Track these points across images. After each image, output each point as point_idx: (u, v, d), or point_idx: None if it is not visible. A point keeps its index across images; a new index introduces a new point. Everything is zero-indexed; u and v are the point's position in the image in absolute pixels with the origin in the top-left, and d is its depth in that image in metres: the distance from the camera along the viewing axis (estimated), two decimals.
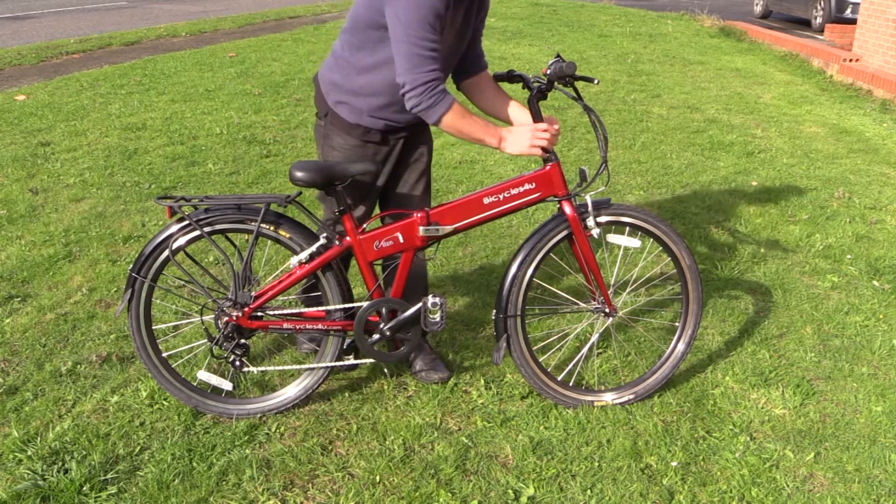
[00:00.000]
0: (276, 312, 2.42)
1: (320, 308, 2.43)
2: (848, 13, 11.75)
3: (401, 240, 2.35)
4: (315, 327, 2.40)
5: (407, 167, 2.52)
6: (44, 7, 13.46)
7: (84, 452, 2.27)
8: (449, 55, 2.30)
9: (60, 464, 2.22)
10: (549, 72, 2.23)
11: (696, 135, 5.85)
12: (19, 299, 3.17)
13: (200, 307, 2.65)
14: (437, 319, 2.38)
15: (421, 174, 2.55)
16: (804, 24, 13.31)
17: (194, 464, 2.24)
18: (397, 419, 2.48)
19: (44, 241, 3.71)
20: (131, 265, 2.34)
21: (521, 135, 2.29)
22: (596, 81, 2.27)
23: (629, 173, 4.94)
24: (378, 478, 2.22)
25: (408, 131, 2.46)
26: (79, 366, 2.71)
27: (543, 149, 2.32)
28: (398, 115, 2.36)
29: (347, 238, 2.35)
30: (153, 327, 2.40)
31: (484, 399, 2.59)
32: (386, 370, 2.72)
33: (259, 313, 2.38)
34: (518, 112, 2.46)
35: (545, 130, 2.30)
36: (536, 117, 2.34)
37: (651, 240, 2.50)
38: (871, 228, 4.15)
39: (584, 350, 2.79)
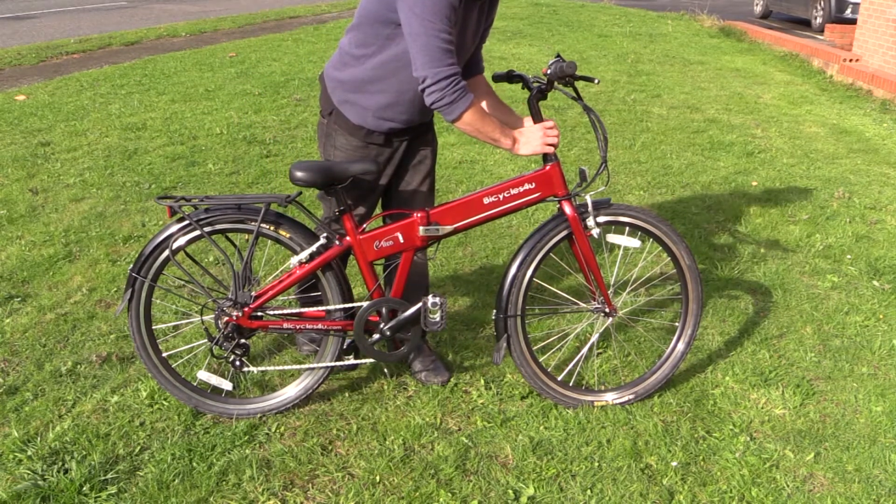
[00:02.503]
0: (276, 312, 2.42)
1: (320, 308, 2.43)
2: (848, 13, 11.74)
3: (401, 240, 2.35)
4: (315, 327, 2.40)
5: (409, 169, 2.52)
6: (44, 7, 13.47)
7: (84, 452, 2.27)
8: (460, 56, 2.29)
9: (60, 464, 2.22)
10: (549, 72, 2.23)
11: (696, 135, 5.85)
12: (19, 299, 3.17)
13: (200, 307, 2.65)
14: (437, 319, 2.37)
15: (424, 176, 2.54)
16: (804, 24, 13.31)
17: (194, 464, 2.24)
18: (397, 419, 2.48)
19: (44, 241, 3.71)
20: (131, 265, 2.34)
21: (533, 135, 2.30)
22: (596, 81, 2.27)
23: (629, 173, 4.94)
24: (378, 478, 2.22)
25: (410, 134, 2.45)
26: (79, 366, 2.71)
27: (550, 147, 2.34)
28: (403, 116, 2.36)
29: (347, 238, 2.35)
30: (153, 327, 2.39)
31: (484, 399, 2.59)
32: (386, 370, 2.72)
33: (259, 313, 2.38)
34: (512, 117, 2.47)
35: (553, 128, 2.31)
36: (536, 117, 2.34)
37: (651, 240, 2.50)
38: (871, 228, 4.15)
39: (584, 350, 2.79)
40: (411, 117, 2.36)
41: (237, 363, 2.38)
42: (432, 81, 2.10)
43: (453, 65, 2.11)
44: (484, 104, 2.48)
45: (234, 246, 2.55)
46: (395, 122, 2.36)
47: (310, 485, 2.20)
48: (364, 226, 2.41)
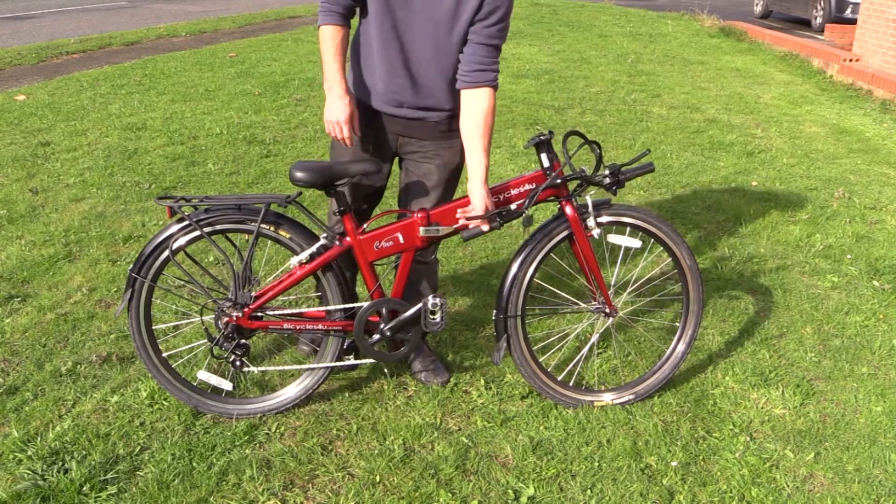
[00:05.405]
0: (277, 312, 2.42)
1: (320, 308, 2.43)
2: (848, 13, 11.74)
3: (401, 240, 2.35)
4: (315, 327, 2.40)
5: (414, 172, 2.49)
6: (44, 7, 13.46)
7: (84, 452, 2.27)
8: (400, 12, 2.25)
9: (60, 464, 2.22)
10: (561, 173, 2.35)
11: (696, 135, 5.85)
12: (19, 299, 3.17)
13: (200, 307, 2.65)
14: (438, 320, 2.37)
15: (436, 181, 2.47)
16: (804, 24, 13.31)
17: (194, 464, 2.24)
18: (397, 419, 2.48)
19: (44, 241, 3.71)
20: (131, 265, 2.34)
21: (331, 108, 2.30)
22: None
23: None
24: (378, 478, 2.22)
25: (402, 125, 2.41)
26: (79, 366, 2.71)
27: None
28: (380, 77, 2.35)
29: (348, 238, 2.35)
30: (153, 327, 2.40)
31: (484, 399, 2.59)
32: (386, 370, 2.72)
33: (259, 313, 2.38)
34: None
35: (339, 128, 2.31)
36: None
37: (652, 240, 2.50)
38: (871, 228, 4.15)
39: (585, 350, 2.79)
40: (387, 77, 2.33)
41: (237, 363, 2.38)
42: None
43: None
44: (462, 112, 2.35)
45: (234, 246, 2.55)
46: (375, 87, 2.37)
47: (310, 485, 2.20)
48: (364, 226, 2.41)
